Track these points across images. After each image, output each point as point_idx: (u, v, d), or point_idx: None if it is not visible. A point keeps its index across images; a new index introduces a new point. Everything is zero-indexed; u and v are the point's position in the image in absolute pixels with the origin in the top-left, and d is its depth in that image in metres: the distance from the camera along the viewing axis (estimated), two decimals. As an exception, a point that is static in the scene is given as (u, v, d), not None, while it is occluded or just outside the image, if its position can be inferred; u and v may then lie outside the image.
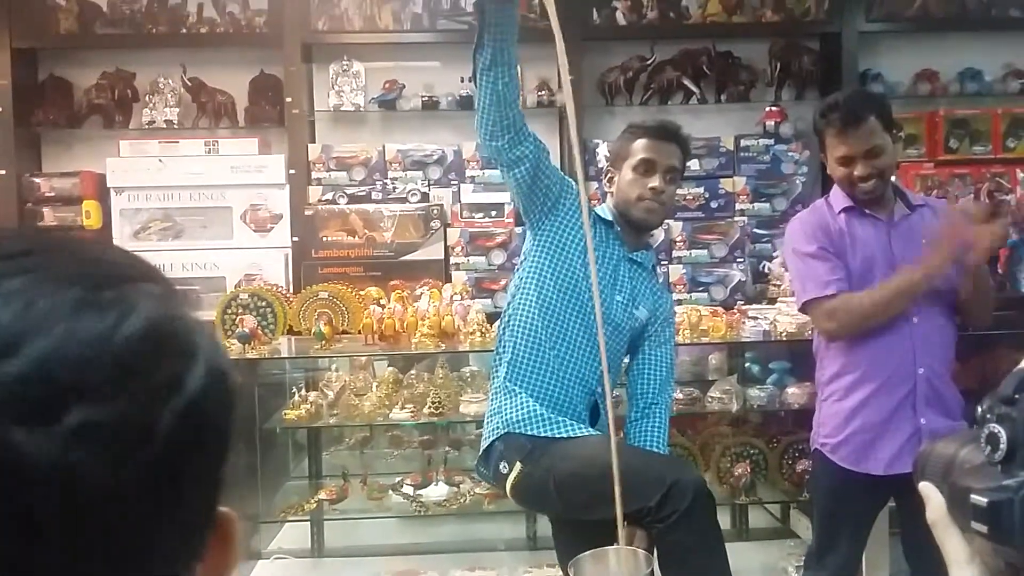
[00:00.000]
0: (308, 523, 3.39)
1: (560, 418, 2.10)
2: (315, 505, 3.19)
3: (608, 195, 2.27)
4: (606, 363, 1.76)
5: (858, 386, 2.39)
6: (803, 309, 2.45)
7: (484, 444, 2.18)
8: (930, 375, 2.36)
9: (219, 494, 0.47)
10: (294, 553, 3.38)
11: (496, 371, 2.22)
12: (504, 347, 2.19)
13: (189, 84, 3.91)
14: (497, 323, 2.30)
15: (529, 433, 2.08)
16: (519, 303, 2.16)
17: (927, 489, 0.63)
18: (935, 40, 4.07)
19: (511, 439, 2.10)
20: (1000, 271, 3.10)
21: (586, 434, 2.09)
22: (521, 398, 2.12)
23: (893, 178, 2.44)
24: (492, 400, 2.21)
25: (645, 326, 2.25)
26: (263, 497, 3.34)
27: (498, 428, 2.13)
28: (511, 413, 2.12)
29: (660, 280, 2.39)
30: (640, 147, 2.17)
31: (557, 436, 2.07)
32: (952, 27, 4.05)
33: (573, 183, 2.19)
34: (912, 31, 4.06)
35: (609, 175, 2.26)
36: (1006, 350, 2.73)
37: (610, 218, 2.23)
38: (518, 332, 2.16)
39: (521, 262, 2.23)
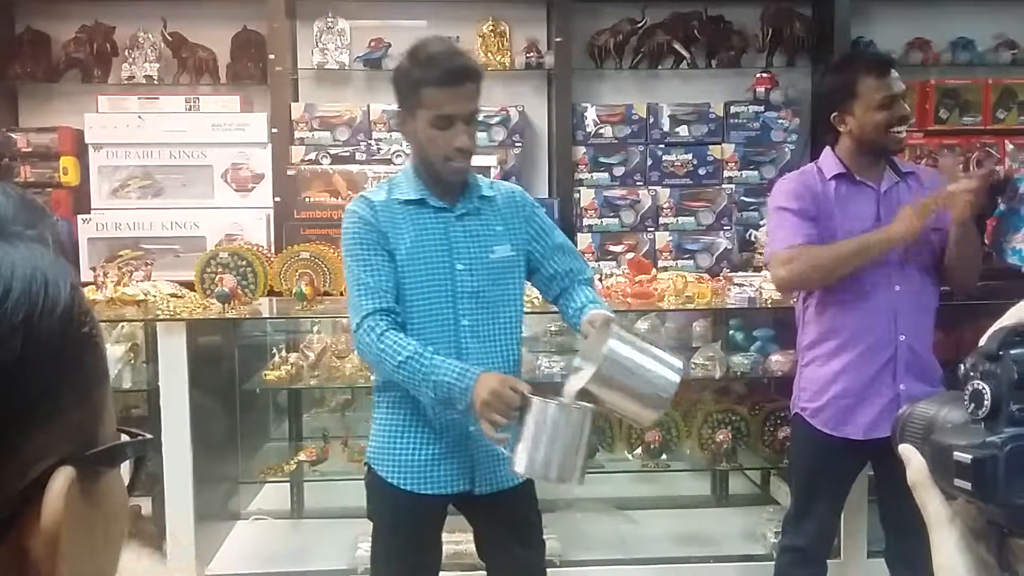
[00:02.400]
0: (288, 484, 3.38)
1: (409, 468, 2.05)
2: (295, 466, 3.18)
3: (409, 150, 2.06)
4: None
5: (839, 351, 2.41)
6: (767, 261, 2.48)
7: None
8: (911, 342, 2.38)
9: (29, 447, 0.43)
10: (273, 514, 3.38)
11: None
12: None
13: (170, 39, 3.83)
14: None
15: (380, 473, 2.11)
16: None
17: (907, 451, 0.62)
18: (927, 9, 4.03)
19: None
20: (987, 241, 3.09)
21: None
22: (380, 420, 2.12)
23: None
24: None
25: (530, 243, 2.08)
26: (242, 458, 3.33)
27: None
28: (373, 443, 2.15)
29: (503, 187, 2.14)
30: (433, 99, 1.89)
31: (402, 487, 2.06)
32: (945, -4, 4.02)
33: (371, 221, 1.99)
34: (905, -1, 4.02)
35: (401, 116, 1.99)
36: (989, 320, 2.72)
37: (416, 195, 2.00)
38: None
39: None
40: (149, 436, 0.52)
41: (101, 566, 0.48)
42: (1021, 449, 0.51)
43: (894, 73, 2.40)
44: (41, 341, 0.43)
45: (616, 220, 3.75)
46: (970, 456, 0.53)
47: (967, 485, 0.53)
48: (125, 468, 0.51)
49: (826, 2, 3.90)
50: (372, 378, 2.18)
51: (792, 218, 2.39)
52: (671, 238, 3.72)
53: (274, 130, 3.75)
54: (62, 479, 0.43)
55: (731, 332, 3.43)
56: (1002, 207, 3.09)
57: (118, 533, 0.50)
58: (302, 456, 3.19)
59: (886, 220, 2.38)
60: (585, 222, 3.75)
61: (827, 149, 2.50)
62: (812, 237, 2.36)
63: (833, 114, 2.43)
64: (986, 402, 0.54)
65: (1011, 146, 3.61)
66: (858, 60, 2.56)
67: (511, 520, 2.08)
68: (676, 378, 1.73)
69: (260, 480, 3.29)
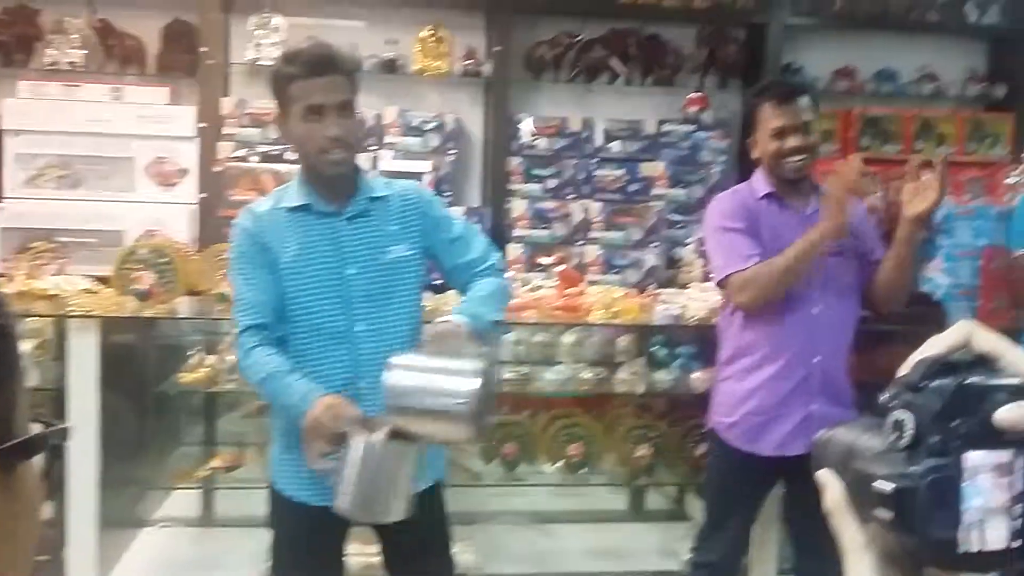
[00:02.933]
0: (199, 491, 3.29)
1: (292, 475, 2.02)
2: (207, 473, 3.09)
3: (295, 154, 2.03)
4: None
5: (755, 369, 2.44)
6: (721, 283, 2.48)
7: None
8: (825, 364, 2.42)
9: None
10: (182, 521, 3.28)
11: None
12: None
13: (97, 25, 3.71)
14: None
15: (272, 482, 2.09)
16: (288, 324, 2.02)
17: (825, 476, 0.61)
18: (856, 38, 4.14)
19: None
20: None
21: None
22: (274, 428, 2.09)
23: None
24: None
25: (426, 238, 2.02)
26: (152, 462, 3.23)
27: None
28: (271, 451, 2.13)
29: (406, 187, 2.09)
30: (301, 91, 1.88)
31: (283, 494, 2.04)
32: (873, 26, 4.14)
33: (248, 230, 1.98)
34: (835, 28, 4.13)
35: (277, 119, 1.99)
36: (903, 346, 2.80)
37: (301, 201, 1.96)
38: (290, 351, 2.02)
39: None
40: (66, 425, 0.52)
41: (16, 556, 0.49)
42: (941, 480, 0.52)
43: (800, 103, 2.39)
44: None
45: (547, 232, 3.76)
46: (891, 486, 0.53)
47: (888, 515, 0.53)
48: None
49: (759, 27, 3.98)
50: None
51: (738, 237, 2.41)
52: (600, 252, 3.74)
53: (202, 125, 3.67)
54: None
55: (655, 348, 3.47)
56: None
57: (35, 524, 0.51)
58: (216, 462, 3.11)
59: None
60: (516, 233, 3.75)
61: (758, 169, 2.53)
62: (761, 257, 2.39)
63: (748, 138, 2.48)
64: (908, 432, 0.54)
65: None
66: (766, 87, 2.57)
67: (414, 530, 2.05)
68: (470, 386, 1.62)
69: (169, 486, 3.19)
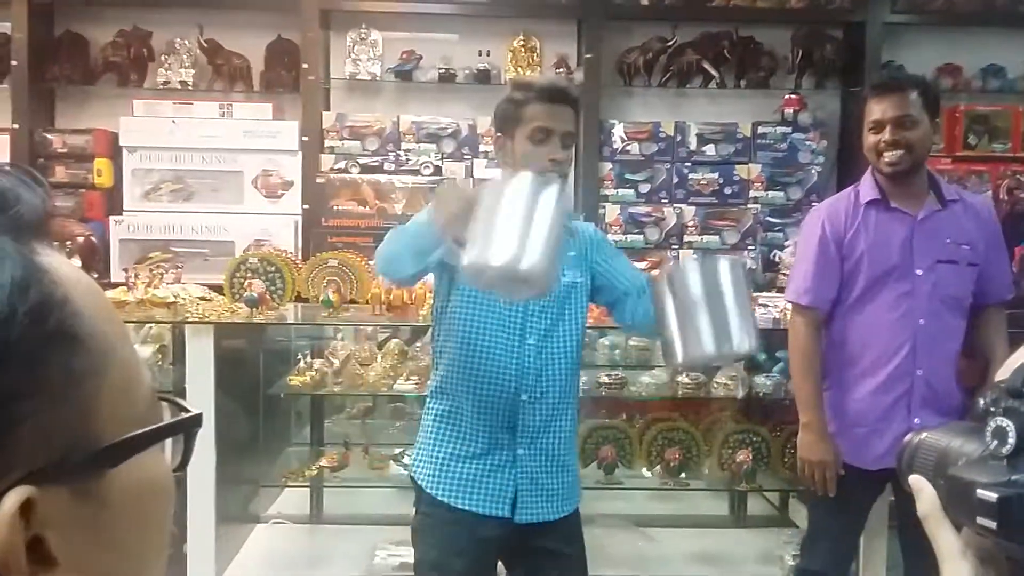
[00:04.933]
0: (308, 489, 3.40)
1: (448, 479, 2.02)
2: (316, 471, 3.20)
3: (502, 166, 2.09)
4: None
5: (857, 382, 2.39)
6: (787, 297, 2.53)
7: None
8: (929, 377, 2.34)
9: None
10: (292, 518, 3.40)
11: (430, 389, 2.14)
12: (436, 367, 2.10)
13: (205, 46, 3.89)
14: None
15: (419, 481, 2.06)
16: (448, 325, 2.03)
17: (918, 482, 0.61)
18: (959, 34, 4.02)
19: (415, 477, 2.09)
20: (1015, 269, 3.07)
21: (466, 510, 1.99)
22: (427, 428, 2.07)
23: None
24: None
25: (592, 269, 2.08)
26: (263, 461, 3.35)
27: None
28: (417, 451, 2.10)
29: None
30: (533, 113, 1.97)
31: (437, 497, 2.01)
32: (977, 22, 4.01)
33: None
34: (937, 24, 4.02)
35: (499, 141, 2.06)
36: (1016, 349, 2.70)
37: None
38: (447, 353, 2.05)
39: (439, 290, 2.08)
40: (196, 412, 0.49)
41: (115, 565, 0.46)
42: None
43: (903, 96, 2.30)
44: None
45: (641, 237, 3.77)
46: (995, 495, 0.52)
47: (991, 524, 0.53)
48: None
49: (857, 25, 3.91)
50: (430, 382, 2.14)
51: (806, 265, 2.41)
52: (695, 256, 3.72)
53: (305, 138, 3.80)
54: (10, 503, 0.39)
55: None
56: (1031, 235, 3.08)
57: (146, 524, 0.47)
58: (323, 462, 3.20)
59: (919, 249, 2.33)
60: (610, 238, 3.76)
61: (868, 171, 2.43)
62: (823, 291, 2.39)
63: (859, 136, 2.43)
64: (1010, 440, 0.53)
65: (1041, 174, 3.60)
66: (878, 78, 2.55)
67: (555, 557, 2.05)
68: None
69: (281, 484, 3.31)
